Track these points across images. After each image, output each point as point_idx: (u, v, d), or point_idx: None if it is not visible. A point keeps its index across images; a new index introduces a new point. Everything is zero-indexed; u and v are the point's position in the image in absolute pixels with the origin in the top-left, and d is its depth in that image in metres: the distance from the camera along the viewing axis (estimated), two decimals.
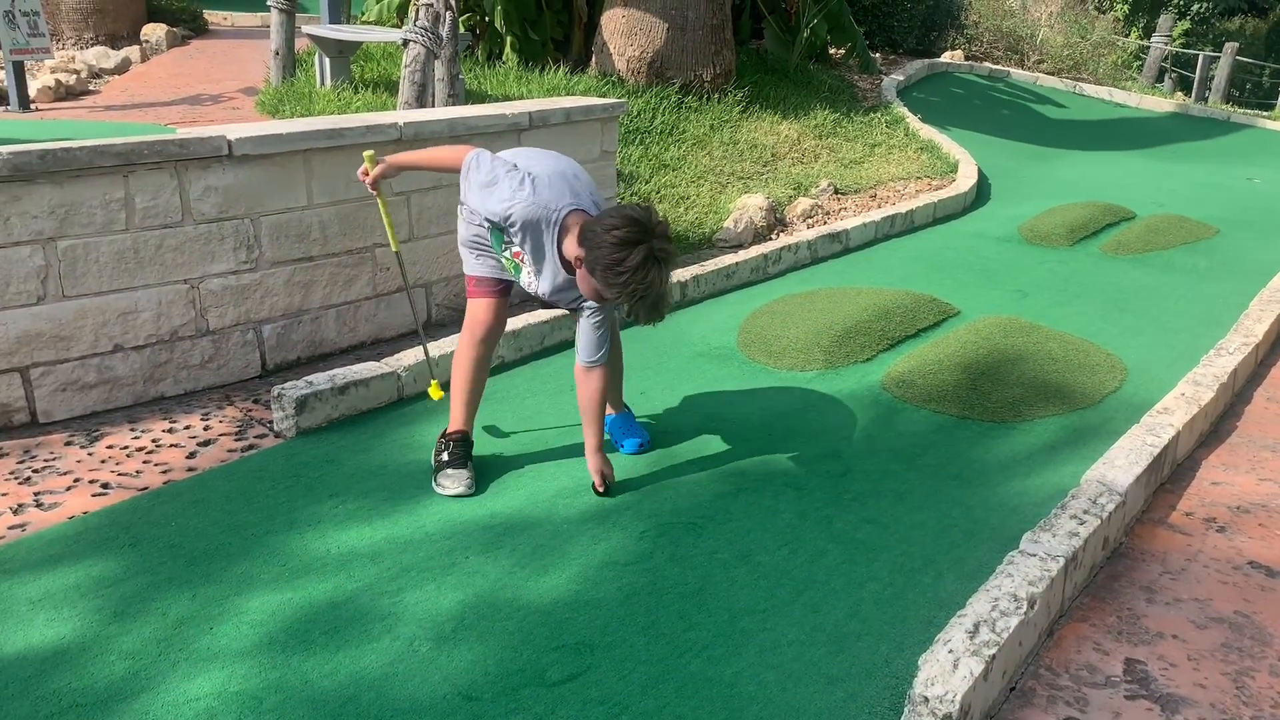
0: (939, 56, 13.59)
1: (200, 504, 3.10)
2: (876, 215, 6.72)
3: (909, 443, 3.63)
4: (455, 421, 3.30)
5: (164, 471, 3.31)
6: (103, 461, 3.37)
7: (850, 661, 2.44)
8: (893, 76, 11.42)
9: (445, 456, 3.24)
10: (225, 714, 2.22)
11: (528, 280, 3.13)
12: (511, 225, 2.96)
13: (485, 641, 2.49)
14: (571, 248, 2.89)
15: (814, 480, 3.34)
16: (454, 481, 3.20)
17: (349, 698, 2.28)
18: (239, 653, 2.43)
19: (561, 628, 2.55)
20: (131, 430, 3.60)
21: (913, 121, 9.55)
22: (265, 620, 2.55)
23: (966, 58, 13.87)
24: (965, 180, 8.05)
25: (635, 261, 2.70)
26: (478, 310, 3.24)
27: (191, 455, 3.43)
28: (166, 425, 3.65)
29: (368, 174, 3.26)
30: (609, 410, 3.56)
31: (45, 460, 3.38)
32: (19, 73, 7.82)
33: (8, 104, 7.93)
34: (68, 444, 3.50)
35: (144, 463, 3.36)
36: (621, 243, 2.72)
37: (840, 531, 3.03)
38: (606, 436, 3.49)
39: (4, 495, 3.14)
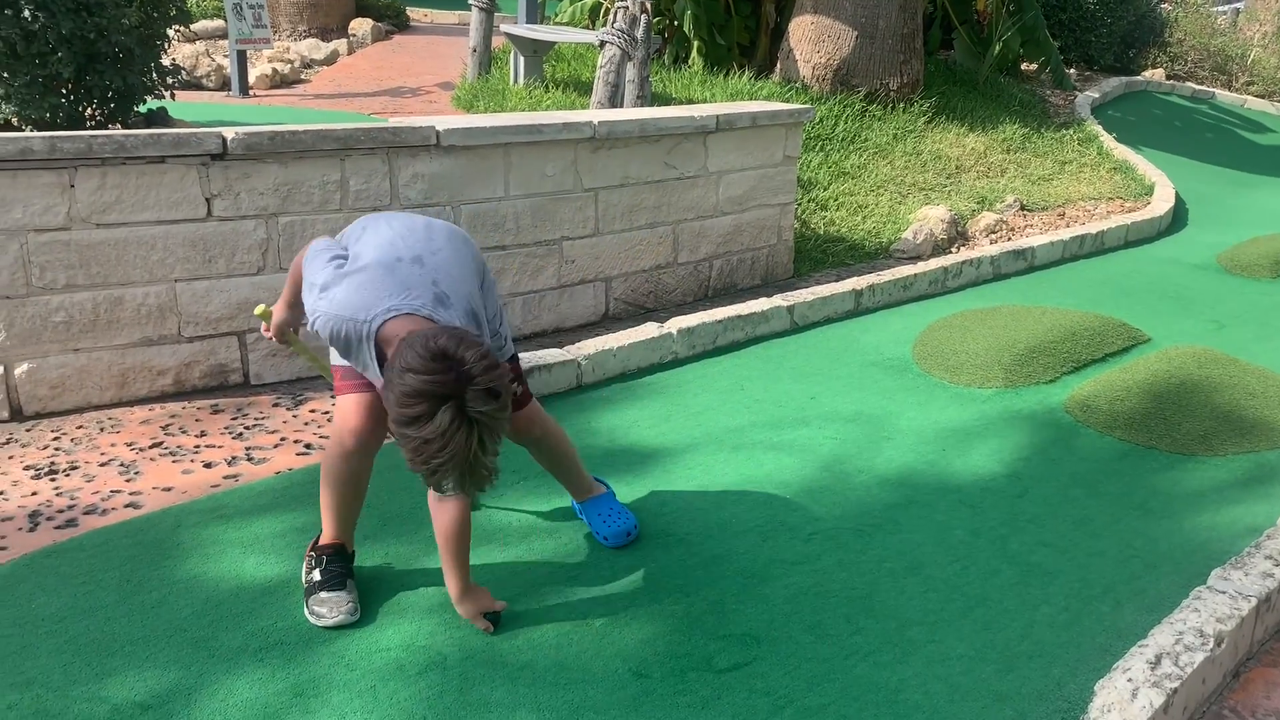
0: (1138, 74, 13.00)
1: (394, 469, 3.29)
2: (1064, 234, 6.51)
3: (1090, 468, 3.53)
4: (329, 532, 2.61)
5: None
6: (305, 424, 3.62)
7: (1020, 681, 2.41)
8: (1087, 93, 11.00)
9: (318, 576, 2.54)
10: (412, 665, 2.38)
11: None
12: (327, 341, 2.36)
13: (655, 623, 2.57)
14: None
15: (989, 499, 3.29)
16: (330, 608, 2.49)
17: (526, 663, 2.40)
18: (426, 609, 2.58)
19: (728, 618, 2.60)
20: (330, 397, 3.86)
21: (1106, 140, 9.19)
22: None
23: (1168, 77, 13.21)
24: (1161, 203, 7.69)
25: (438, 426, 1.99)
26: (347, 411, 2.48)
27: None
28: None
29: (269, 329, 2.78)
30: (579, 498, 2.97)
31: (255, 419, 3.66)
32: (242, 61, 8.42)
33: (230, 89, 8.54)
34: (275, 405, 3.78)
35: None
36: (417, 395, 2.00)
37: (1014, 552, 2.98)
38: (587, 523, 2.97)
39: (220, 448, 3.42)
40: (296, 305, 2.61)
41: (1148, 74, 13.06)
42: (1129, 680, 2.20)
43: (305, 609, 2.54)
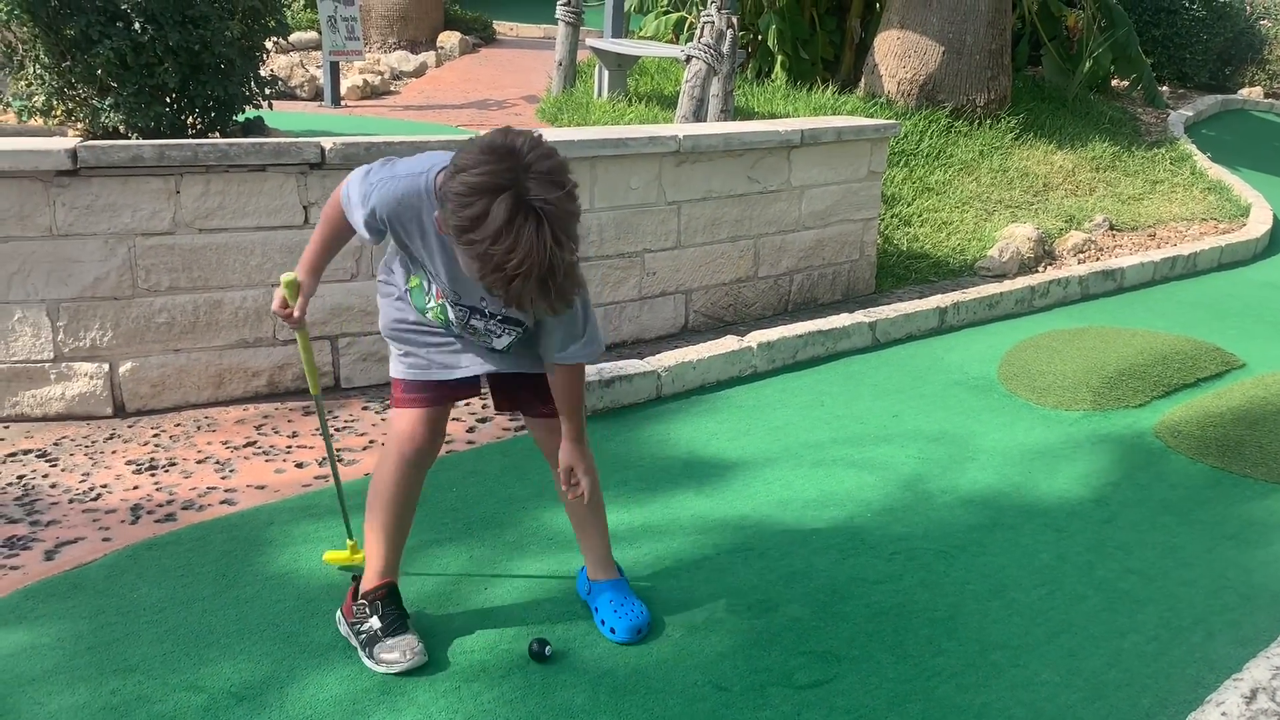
0: (1235, 92, 12.64)
1: (477, 474, 3.35)
2: (1155, 255, 6.36)
3: (1181, 495, 3.44)
4: (377, 573, 2.47)
5: (447, 441, 3.59)
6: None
7: (1108, 710, 2.36)
8: (1181, 111, 10.73)
9: (378, 624, 2.40)
10: (496, 668, 2.42)
11: (464, 319, 2.32)
12: (386, 226, 2.20)
13: (734, 637, 2.58)
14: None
15: (1075, 523, 3.23)
16: (402, 653, 2.38)
17: (606, 670, 2.43)
18: (508, 614, 2.63)
19: (808, 635, 2.60)
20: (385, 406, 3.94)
21: (1200, 160, 8.95)
22: (532, 588, 2.74)
23: (1266, 95, 12.83)
24: (1258, 225, 7.46)
25: (498, 220, 1.84)
26: (403, 423, 2.41)
27: (471, 430, 3.71)
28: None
29: (287, 306, 2.42)
30: (593, 574, 2.66)
31: (345, 421, 3.75)
32: (335, 72, 8.64)
33: (323, 99, 8.77)
34: (364, 408, 3.87)
35: None
36: (472, 191, 1.87)
37: (1102, 579, 2.92)
38: (592, 611, 2.65)
39: (311, 449, 3.52)
40: (318, 273, 2.44)
41: (1245, 92, 12.69)
42: (1223, 714, 2.15)
43: (367, 660, 2.40)
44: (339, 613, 2.54)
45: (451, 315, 2.32)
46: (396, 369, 2.43)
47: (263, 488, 3.23)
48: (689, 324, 5.05)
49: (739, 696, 2.35)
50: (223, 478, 3.28)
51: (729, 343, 4.40)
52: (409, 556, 2.83)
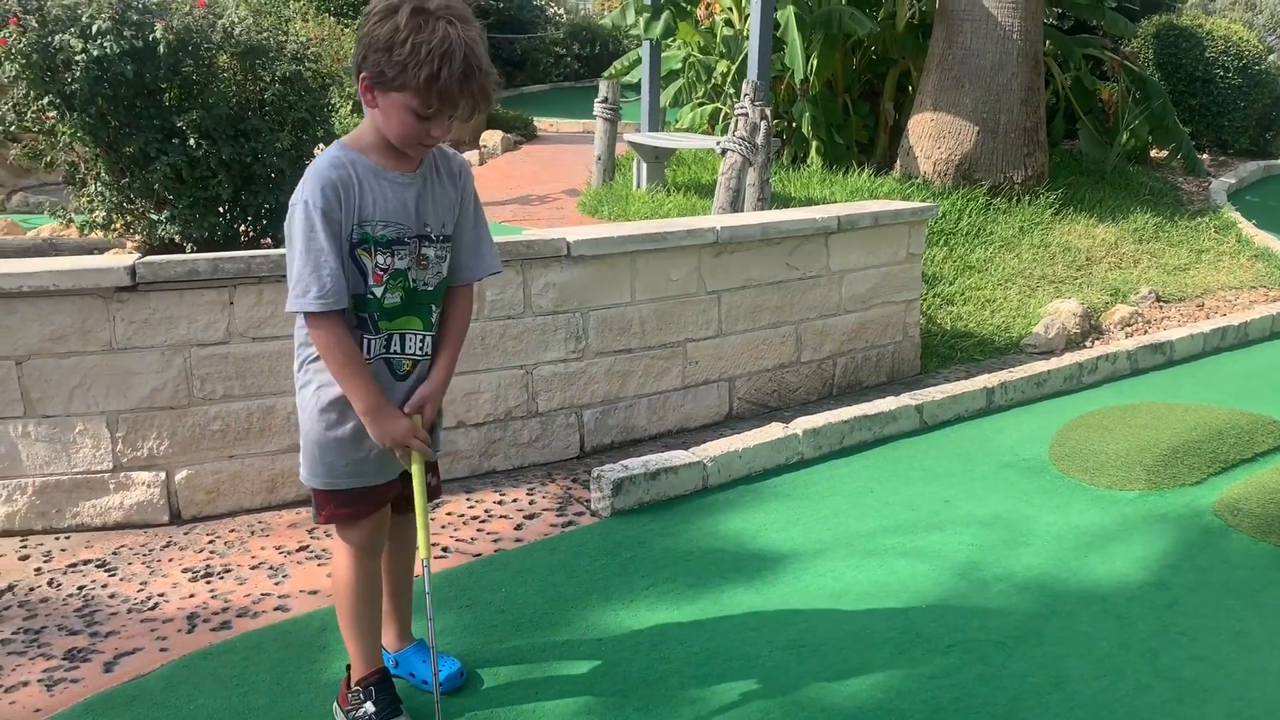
0: (1277, 158, 12.56)
1: (526, 573, 3.36)
2: (1205, 326, 6.28)
3: (1245, 576, 3.36)
4: (364, 662, 2.54)
5: (494, 540, 3.62)
6: (443, 527, 3.72)
7: None
8: (1222, 179, 10.68)
9: (373, 708, 2.50)
10: None
11: (416, 258, 2.37)
12: (340, 211, 2.24)
13: None
14: (373, 114, 2.24)
15: (1136, 609, 3.16)
16: None
17: None
18: (561, 717, 2.61)
19: None
20: (467, 499, 3.97)
21: (1246, 227, 8.87)
22: (584, 690, 2.72)
23: None
24: None
25: (408, 26, 2.09)
26: (357, 535, 2.48)
27: (519, 527, 3.73)
28: (497, 497, 3.99)
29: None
30: (398, 644, 2.78)
31: None
32: None
33: None
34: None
35: (478, 531, 3.69)
36: (384, 13, 2.13)
37: (1166, 667, 2.84)
38: (405, 678, 2.75)
39: None
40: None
41: None
42: None
43: None
44: (335, 705, 2.60)
45: (410, 271, 2.35)
46: (333, 481, 2.41)
47: (315, 593, 3.26)
48: (733, 411, 5.06)
49: None
50: (276, 583, 3.32)
51: (774, 430, 4.40)
52: (459, 658, 2.83)
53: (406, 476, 2.44)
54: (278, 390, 3.85)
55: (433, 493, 2.56)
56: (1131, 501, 3.94)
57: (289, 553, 3.53)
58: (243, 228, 6.07)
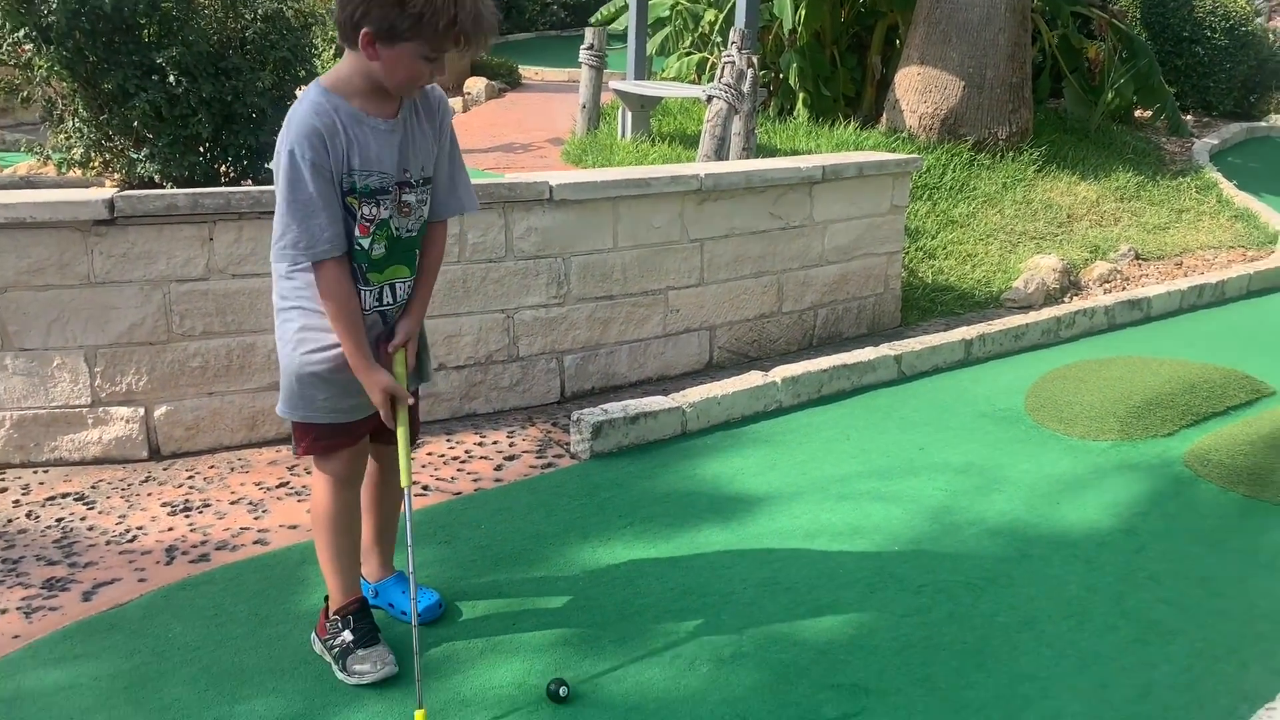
0: (1260, 120, 12.59)
1: (505, 512, 3.39)
2: (1182, 284, 6.33)
3: (1213, 524, 3.42)
4: (344, 590, 2.56)
5: (474, 480, 3.64)
6: (423, 466, 3.74)
7: None
8: (1205, 140, 10.70)
9: (350, 637, 2.51)
10: (525, 704, 2.44)
11: (398, 206, 2.38)
12: (328, 157, 2.23)
13: (761, 670, 2.58)
14: (358, 58, 2.22)
15: (1105, 554, 3.21)
16: (373, 664, 2.48)
17: (634, 705, 2.44)
18: (536, 649, 2.65)
19: (836, 668, 2.60)
20: (448, 440, 3.99)
21: (1226, 188, 8.91)
22: (560, 624, 2.76)
23: None
24: None
25: None
26: (337, 467, 2.50)
27: (498, 468, 3.75)
28: (477, 439, 4.01)
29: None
30: (379, 574, 2.81)
31: None
32: None
33: None
34: None
35: (458, 470, 3.71)
36: None
37: (1132, 609, 2.90)
38: (384, 609, 2.77)
39: None
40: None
41: (1272, 119, 12.64)
42: None
43: (341, 673, 2.49)
44: (313, 634, 2.62)
45: (392, 220, 2.36)
46: (312, 416, 2.42)
47: (295, 527, 3.28)
48: (713, 360, 5.08)
49: None
50: (256, 518, 3.34)
51: (754, 378, 4.43)
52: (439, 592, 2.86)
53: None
54: (258, 328, 3.83)
55: (417, 422, 2.62)
56: (1104, 451, 3.99)
57: (269, 489, 3.55)
58: (223, 168, 6.01)
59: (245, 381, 3.86)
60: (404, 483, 2.43)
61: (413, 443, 2.54)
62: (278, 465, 3.74)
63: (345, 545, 2.56)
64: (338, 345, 2.34)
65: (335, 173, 2.24)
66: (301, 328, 2.38)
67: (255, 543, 3.18)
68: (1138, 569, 3.13)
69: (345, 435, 2.47)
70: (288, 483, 3.59)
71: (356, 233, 2.31)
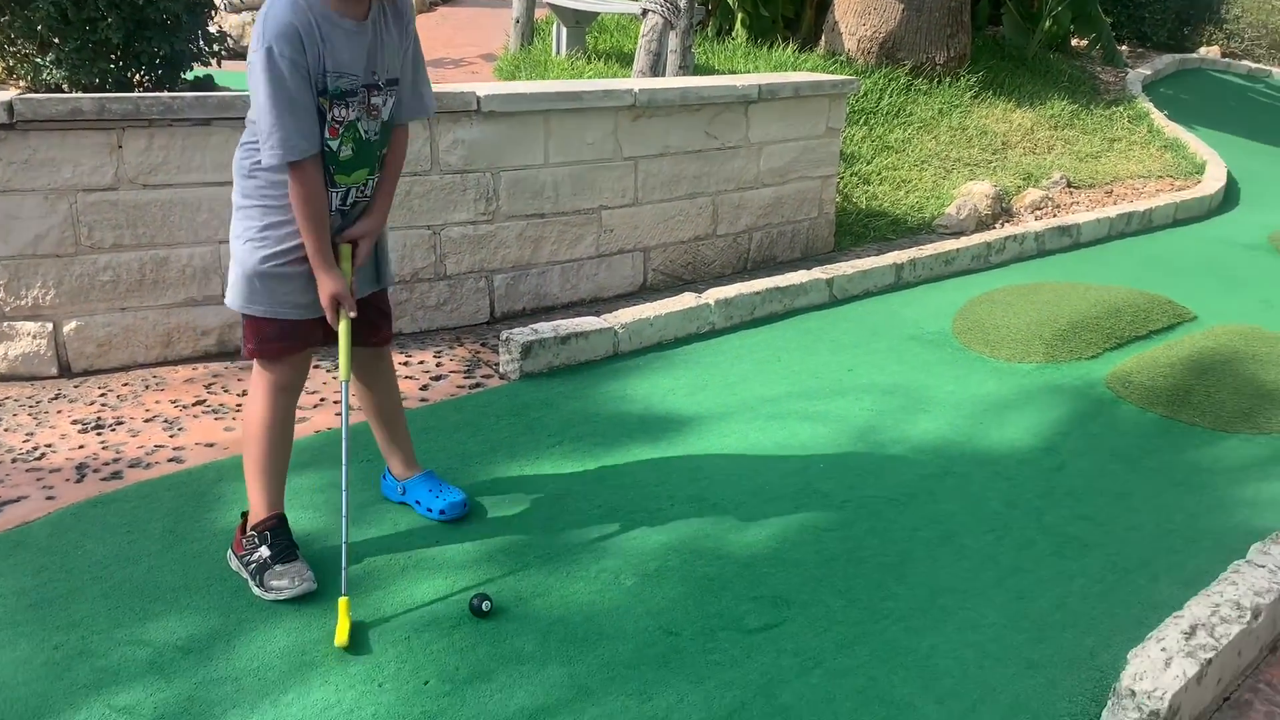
0: (1192, 52, 12.72)
1: (430, 431, 3.33)
2: (1111, 211, 6.41)
3: (1131, 443, 3.49)
4: (266, 505, 2.53)
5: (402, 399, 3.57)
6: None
7: (1053, 650, 2.40)
8: (1139, 70, 10.78)
9: (268, 552, 2.47)
10: (446, 620, 2.41)
11: (366, 108, 2.38)
12: (304, 54, 2.21)
13: (686, 583, 2.58)
14: None
15: (1026, 471, 3.26)
16: (291, 580, 2.44)
17: (558, 618, 2.43)
18: (460, 565, 2.62)
19: (759, 580, 2.61)
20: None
21: (1157, 118, 9.01)
22: (485, 540, 2.73)
23: (1223, 54, 12.92)
24: (1212, 182, 7.54)
25: None
26: (279, 373, 2.50)
27: (424, 388, 3.69)
28: (403, 359, 3.93)
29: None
30: (404, 472, 2.86)
31: None
32: None
33: None
34: (315, 367, 3.81)
35: None
36: None
37: (1050, 524, 2.96)
38: (411, 506, 2.84)
39: None
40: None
41: (1203, 51, 12.77)
42: (1163, 650, 2.19)
43: (257, 589, 2.45)
44: (229, 551, 2.58)
45: (360, 123, 2.37)
46: (276, 311, 2.43)
47: (212, 445, 3.19)
48: (647, 282, 5.03)
49: (689, 641, 2.36)
50: (171, 436, 3.24)
51: (686, 299, 4.39)
52: (362, 512, 2.81)
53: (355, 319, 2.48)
54: (172, 241, 3.69)
55: (384, 338, 2.71)
56: (1029, 373, 4.04)
57: (185, 407, 3.44)
58: (136, 77, 5.74)
59: (159, 297, 3.73)
60: (343, 376, 2.46)
61: (385, 343, 2.71)
62: (194, 383, 3.63)
63: (274, 457, 2.53)
64: (298, 243, 2.36)
65: (311, 73, 2.24)
66: (264, 226, 2.39)
67: (170, 460, 3.09)
68: (1057, 486, 3.18)
69: (294, 339, 2.48)
70: (204, 400, 3.49)
71: (326, 135, 2.32)
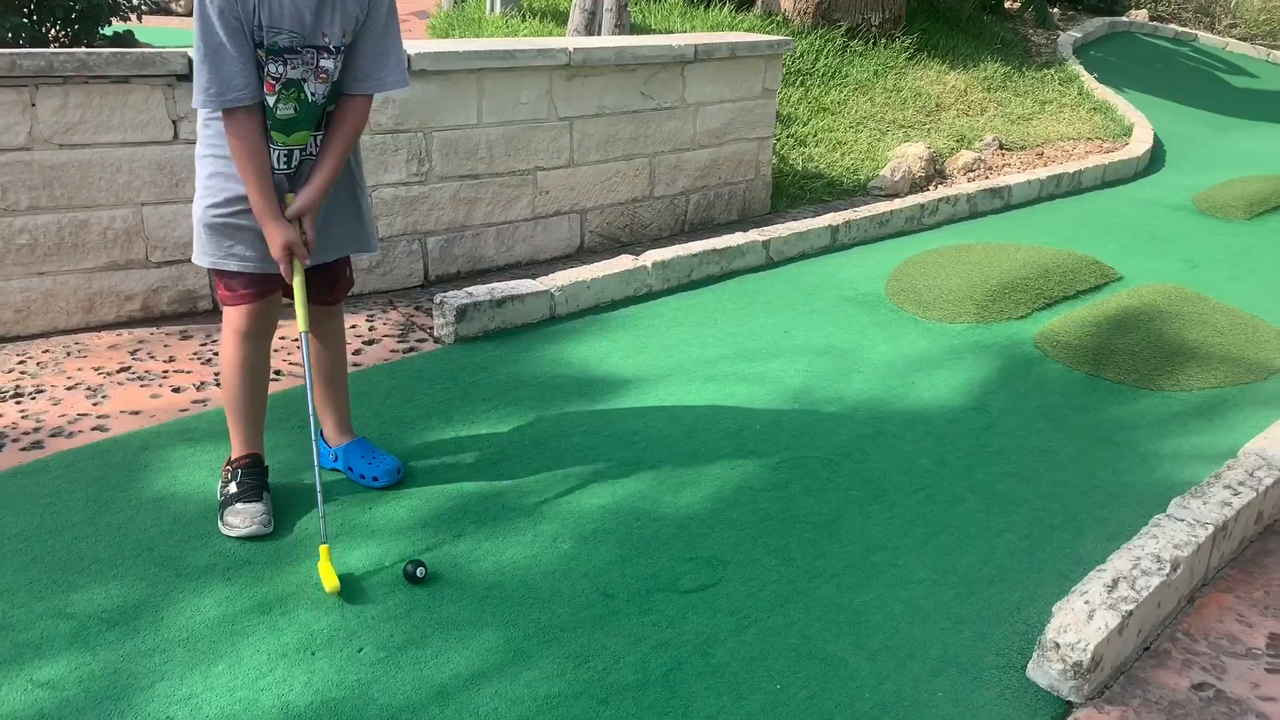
0: (1122, 15, 12.91)
1: (364, 396, 3.29)
2: (1042, 173, 6.51)
3: (1058, 401, 3.56)
4: (240, 445, 2.63)
5: None
6: (276, 350, 3.58)
7: (980, 605, 2.45)
8: (1070, 33, 10.92)
9: (234, 489, 2.56)
10: (380, 586, 2.39)
11: (314, 70, 2.35)
12: (240, 16, 2.19)
13: (622, 546, 2.59)
14: None
15: (956, 430, 3.32)
16: (244, 519, 2.51)
17: (494, 583, 2.42)
18: (394, 531, 2.60)
19: (695, 541, 2.63)
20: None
21: (1087, 80, 9.15)
22: (420, 506, 2.71)
23: (1151, 18, 13.13)
24: (1139, 145, 7.69)
25: None
26: (244, 320, 2.52)
27: (357, 352, 3.63)
28: None
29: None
30: (337, 439, 2.84)
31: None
32: None
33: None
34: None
35: None
36: None
37: (979, 482, 3.02)
38: (344, 473, 2.82)
39: (189, 373, 3.40)
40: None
41: (1131, 15, 12.97)
42: (1086, 602, 2.25)
43: (219, 522, 2.55)
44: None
45: (306, 84, 2.34)
46: (223, 263, 2.44)
47: (137, 413, 3.12)
48: (584, 244, 5.00)
49: (625, 603, 2.37)
50: (94, 404, 3.16)
51: (624, 262, 4.37)
52: (292, 476, 2.77)
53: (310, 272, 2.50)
54: (92, 203, 3.58)
55: (346, 284, 2.72)
56: (960, 333, 4.10)
57: (109, 374, 3.36)
58: (52, 32, 5.52)
59: (80, 261, 3.62)
60: (301, 327, 2.47)
61: (336, 301, 2.71)
62: (118, 349, 3.53)
63: (245, 398, 2.59)
64: (242, 195, 2.36)
65: (245, 23, 2.21)
66: (211, 174, 2.40)
67: (94, 429, 3.01)
68: (986, 444, 3.24)
69: (254, 287, 2.49)
70: (129, 367, 3.41)
71: (264, 90, 2.30)
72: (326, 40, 2.32)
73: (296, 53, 2.29)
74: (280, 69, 2.28)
